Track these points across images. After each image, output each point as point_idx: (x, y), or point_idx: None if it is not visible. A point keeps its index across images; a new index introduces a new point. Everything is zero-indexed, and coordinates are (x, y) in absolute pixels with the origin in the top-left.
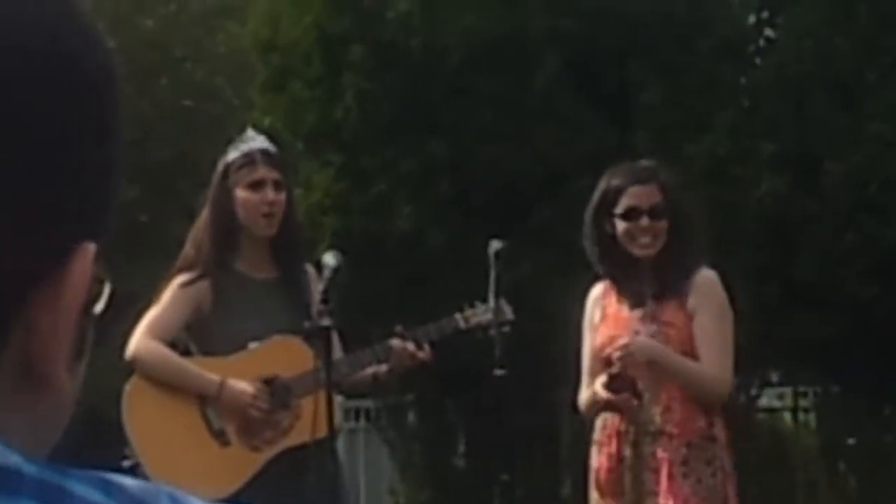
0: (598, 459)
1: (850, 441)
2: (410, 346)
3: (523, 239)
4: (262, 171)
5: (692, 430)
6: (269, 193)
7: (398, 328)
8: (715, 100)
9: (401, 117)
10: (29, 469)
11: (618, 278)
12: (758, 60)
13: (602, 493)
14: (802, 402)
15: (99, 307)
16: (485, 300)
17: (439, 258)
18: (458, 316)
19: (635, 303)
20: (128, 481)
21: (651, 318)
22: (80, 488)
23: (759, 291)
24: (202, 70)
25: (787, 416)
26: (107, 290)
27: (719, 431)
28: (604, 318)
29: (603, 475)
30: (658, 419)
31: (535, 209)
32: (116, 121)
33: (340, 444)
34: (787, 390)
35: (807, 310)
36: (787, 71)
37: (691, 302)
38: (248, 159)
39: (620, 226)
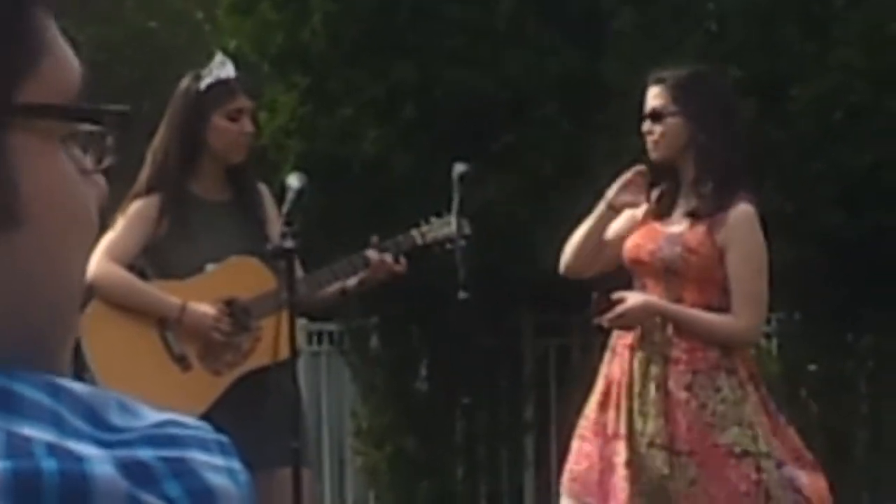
0: (609, 368)
1: (812, 367)
2: (388, 257)
3: (488, 163)
4: (242, 101)
5: (701, 358)
6: (247, 124)
7: (374, 239)
8: (683, 26)
9: (367, 41)
10: None
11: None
12: None
13: (605, 404)
14: (765, 328)
15: None
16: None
17: (405, 182)
18: (414, 232)
19: (664, 211)
20: (77, 385)
21: (678, 239)
22: (28, 391)
23: None
24: None
25: None
26: None
27: (737, 364)
28: (643, 220)
29: (614, 387)
30: (671, 345)
31: (500, 134)
32: None
33: (302, 366)
34: None
35: (771, 236)
36: None
37: (721, 237)
38: (229, 88)
39: None
